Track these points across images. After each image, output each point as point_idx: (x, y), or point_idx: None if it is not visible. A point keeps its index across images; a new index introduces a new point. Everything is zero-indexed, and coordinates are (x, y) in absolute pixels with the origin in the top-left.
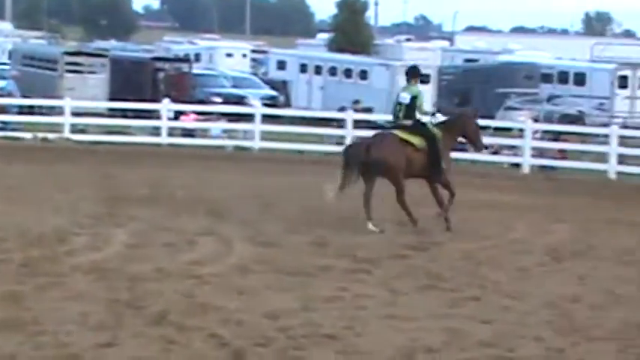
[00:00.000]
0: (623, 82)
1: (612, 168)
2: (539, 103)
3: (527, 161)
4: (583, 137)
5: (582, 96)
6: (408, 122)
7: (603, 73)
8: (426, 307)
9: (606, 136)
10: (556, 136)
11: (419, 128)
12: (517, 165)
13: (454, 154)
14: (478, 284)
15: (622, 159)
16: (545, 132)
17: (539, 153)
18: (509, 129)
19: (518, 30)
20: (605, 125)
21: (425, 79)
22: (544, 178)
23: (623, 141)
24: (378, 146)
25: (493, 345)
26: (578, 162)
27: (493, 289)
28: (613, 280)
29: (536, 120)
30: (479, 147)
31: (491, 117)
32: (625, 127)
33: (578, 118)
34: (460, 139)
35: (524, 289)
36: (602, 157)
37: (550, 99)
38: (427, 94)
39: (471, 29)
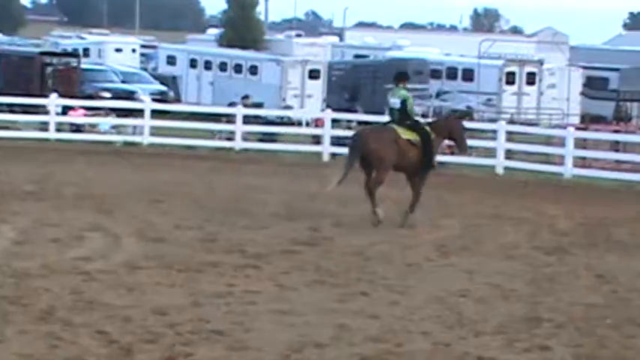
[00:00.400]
0: (510, 78)
1: (500, 163)
2: (429, 99)
3: None
4: (471, 133)
5: (471, 92)
6: (406, 121)
7: (491, 69)
8: (315, 302)
9: (494, 131)
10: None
11: (415, 126)
12: None
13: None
14: (367, 279)
15: (509, 154)
16: None
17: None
18: None
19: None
20: (493, 121)
21: (315, 75)
22: (434, 174)
23: (511, 136)
24: (374, 137)
25: (381, 340)
26: (467, 157)
27: (382, 284)
28: (499, 274)
29: (425, 115)
30: (463, 148)
31: (381, 112)
32: (512, 122)
33: (467, 114)
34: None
35: (412, 284)
36: (490, 153)
37: (439, 94)
38: (317, 90)
39: (361, 25)
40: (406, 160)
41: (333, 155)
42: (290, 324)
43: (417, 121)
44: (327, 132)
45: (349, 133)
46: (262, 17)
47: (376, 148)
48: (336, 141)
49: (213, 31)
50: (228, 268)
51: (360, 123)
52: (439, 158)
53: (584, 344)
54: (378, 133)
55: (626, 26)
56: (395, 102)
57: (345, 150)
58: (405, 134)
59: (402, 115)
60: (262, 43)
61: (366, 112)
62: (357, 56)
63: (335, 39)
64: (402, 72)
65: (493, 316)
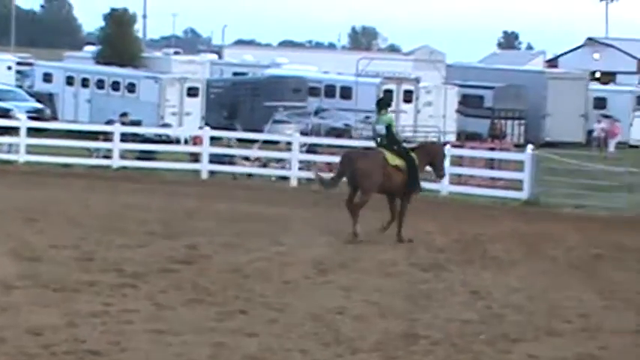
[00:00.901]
0: (388, 96)
1: None
2: (307, 117)
3: (295, 174)
4: None
5: (349, 109)
6: (394, 146)
7: (369, 87)
8: (193, 321)
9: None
10: (314, 149)
11: (401, 151)
12: (285, 178)
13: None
14: (245, 297)
15: None
16: (312, 145)
17: (306, 166)
18: (277, 142)
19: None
20: (371, 139)
21: (193, 92)
22: (312, 191)
23: None
24: (364, 158)
25: (259, 358)
26: None
27: (260, 302)
28: (377, 291)
29: (303, 133)
30: (441, 174)
31: (260, 130)
32: None
33: (345, 132)
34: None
35: (290, 302)
36: None
37: (317, 112)
38: (195, 107)
39: (239, 43)
40: (391, 183)
41: (212, 173)
42: (167, 343)
43: (403, 147)
44: (206, 150)
45: (227, 150)
46: (140, 34)
47: (364, 168)
48: (215, 159)
49: (90, 49)
50: (104, 288)
51: (239, 140)
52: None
53: None
54: (368, 155)
55: (500, 45)
56: (381, 128)
57: (222, 167)
58: (393, 160)
59: (389, 140)
60: (140, 60)
61: (245, 130)
62: (235, 74)
63: (214, 56)
64: (383, 98)
65: (370, 333)
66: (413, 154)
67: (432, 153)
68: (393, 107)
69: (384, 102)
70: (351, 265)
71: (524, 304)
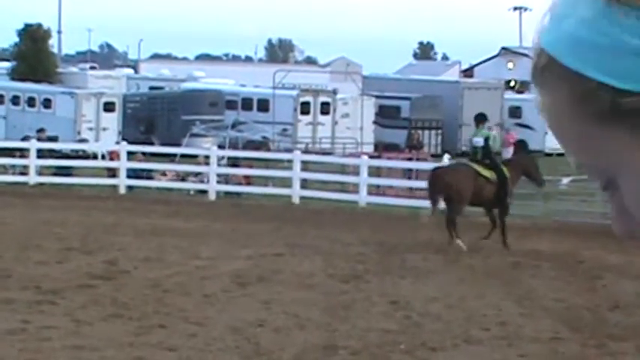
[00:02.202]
0: (305, 108)
1: (296, 193)
2: (225, 130)
3: (213, 187)
4: (267, 163)
5: (266, 122)
6: (486, 159)
7: (286, 99)
8: (112, 336)
9: (290, 161)
10: (236, 162)
11: (493, 164)
12: (204, 191)
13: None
14: (164, 312)
15: (305, 183)
16: (230, 158)
17: (224, 179)
18: (195, 156)
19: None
20: (289, 151)
21: (110, 107)
22: (230, 204)
23: (306, 166)
24: (452, 173)
25: None
26: (264, 187)
27: (179, 316)
28: (296, 303)
29: (221, 146)
30: (540, 182)
31: (177, 144)
32: (307, 152)
33: (262, 144)
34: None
35: (209, 315)
36: (286, 182)
37: (235, 125)
38: (112, 122)
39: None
40: (483, 196)
41: (130, 188)
42: (86, 359)
43: (494, 160)
44: (123, 165)
45: (145, 165)
46: (55, 50)
47: (453, 182)
48: (132, 173)
49: (4, 64)
50: (22, 305)
51: (155, 155)
52: (236, 189)
53: None
54: (457, 169)
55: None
56: (478, 141)
57: (140, 182)
58: (484, 172)
59: (485, 153)
60: (56, 76)
61: (163, 144)
62: (152, 88)
63: (130, 71)
64: (480, 113)
65: (290, 345)
66: (504, 168)
67: (523, 164)
68: (310, 119)
69: (482, 117)
70: (270, 278)
71: (442, 313)
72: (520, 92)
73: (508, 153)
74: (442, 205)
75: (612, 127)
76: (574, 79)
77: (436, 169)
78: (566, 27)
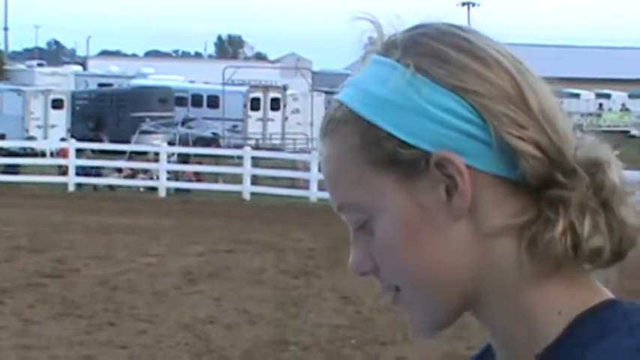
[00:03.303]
0: (255, 104)
1: (246, 189)
2: (174, 127)
3: (163, 184)
4: (218, 159)
5: (216, 118)
6: None
7: (236, 95)
8: (61, 334)
9: (240, 157)
10: (186, 159)
11: None
12: (153, 189)
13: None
14: (114, 310)
15: (255, 180)
16: (180, 155)
17: (174, 176)
18: (144, 153)
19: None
20: (239, 147)
21: (58, 104)
22: (181, 201)
23: (257, 162)
24: None
25: None
26: (214, 184)
27: (129, 313)
28: (247, 299)
29: (171, 143)
30: None
31: (127, 141)
32: (258, 148)
33: (213, 141)
34: None
35: (160, 313)
36: (236, 179)
37: (185, 122)
38: (60, 119)
39: (105, 53)
40: None
41: (79, 185)
42: (36, 358)
43: None
44: (72, 162)
45: (94, 162)
46: (2, 47)
47: None
48: (82, 171)
49: None
50: None
51: (104, 152)
52: (186, 186)
53: None
54: None
55: None
56: None
57: (90, 180)
58: None
59: None
60: (3, 73)
61: (112, 141)
62: (101, 85)
63: (78, 68)
64: None
65: (241, 341)
66: None
67: None
68: (260, 115)
69: None
70: (220, 275)
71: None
72: None
73: None
74: None
75: (386, 172)
76: (368, 129)
77: None
78: (367, 87)
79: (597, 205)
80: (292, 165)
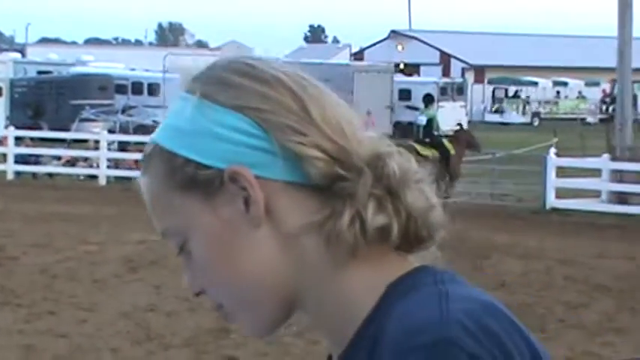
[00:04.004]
0: None
1: None
2: (114, 114)
3: (103, 172)
4: None
5: (157, 106)
6: (427, 138)
7: (176, 83)
8: (0, 324)
9: None
10: (126, 147)
11: (433, 142)
12: (94, 176)
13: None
14: (53, 298)
15: None
16: (121, 142)
17: (115, 164)
18: (84, 141)
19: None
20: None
21: None
22: (121, 189)
23: None
24: None
25: (69, 359)
26: None
27: (69, 302)
28: (187, 288)
29: (111, 131)
30: (480, 148)
31: (67, 129)
32: None
33: (153, 128)
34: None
35: (100, 301)
36: None
37: (125, 110)
38: None
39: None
40: None
41: (18, 173)
42: None
43: (436, 138)
44: (11, 150)
45: (33, 150)
46: None
47: None
48: (20, 159)
49: None
50: None
51: (44, 140)
52: (127, 174)
53: (269, 353)
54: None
55: (307, 39)
56: (421, 119)
57: (29, 168)
58: (423, 151)
59: (425, 132)
60: None
61: (52, 129)
62: (40, 72)
63: (17, 55)
64: (428, 94)
65: (182, 329)
66: (448, 145)
67: (465, 137)
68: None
69: (430, 97)
70: (161, 262)
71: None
72: (409, 75)
73: None
74: None
75: (191, 194)
76: (170, 158)
77: None
78: (169, 121)
79: (383, 192)
80: None
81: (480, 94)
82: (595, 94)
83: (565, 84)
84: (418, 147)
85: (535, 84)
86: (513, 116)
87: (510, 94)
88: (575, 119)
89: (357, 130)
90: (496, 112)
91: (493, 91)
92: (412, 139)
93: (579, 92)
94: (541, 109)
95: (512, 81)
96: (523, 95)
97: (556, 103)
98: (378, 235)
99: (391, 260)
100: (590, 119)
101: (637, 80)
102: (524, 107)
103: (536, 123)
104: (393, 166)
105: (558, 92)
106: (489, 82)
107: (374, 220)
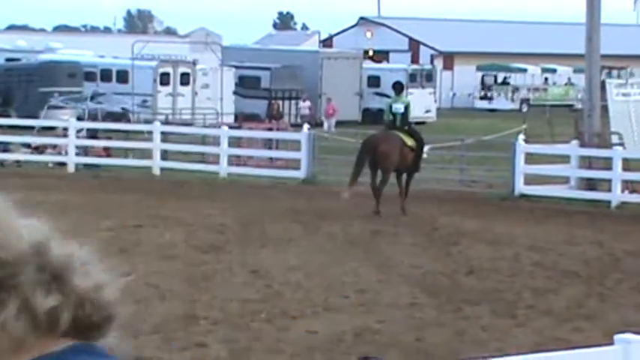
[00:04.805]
0: (165, 79)
1: (156, 164)
2: (83, 102)
3: (72, 160)
4: (127, 134)
5: (126, 93)
6: (405, 127)
7: (145, 70)
8: None
9: (150, 132)
10: (95, 134)
11: (412, 132)
12: (62, 164)
13: None
14: None
15: (165, 155)
16: (90, 130)
17: (84, 151)
18: (53, 128)
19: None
20: (149, 122)
21: None
22: (90, 176)
23: (166, 137)
24: (386, 142)
25: None
26: (124, 159)
27: None
28: (157, 274)
29: (80, 118)
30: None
31: (35, 116)
32: (168, 123)
33: (122, 116)
34: None
35: None
36: (146, 154)
37: (94, 97)
38: None
39: (12, 28)
40: (405, 162)
41: None
42: None
43: (413, 128)
44: None
45: (2, 138)
46: None
47: (388, 151)
48: None
49: None
50: None
51: (12, 127)
52: (96, 161)
53: (239, 339)
54: (388, 138)
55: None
56: (398, 107)
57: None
58: (407, 140)
59: (403, 121)
60: None
61: (20, 116)
62: (8, 59)
63: None
64: (399, 82)
65: (150, 316)
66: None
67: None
68: (170, 90)
69: (400, 85)
70: (130, 249)
71: (302, 281)
72: (378, 62)
73: (330, 124)
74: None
75: None
76: None
77: (369, 138)
78: None
79: (49, 277)
80: (202, 140)
81: (449, 81)
82: (583, 80)
83: (554, 71)
84: (403, 136)
85: (524, 71)
86: (502, 102)
87: (499, 80)
88: (563, 106)
89: (14, 223)
90: (484, 98)
91: (482, 78)
92: (387, 126)
93: (568, 79)
94: (530, 96)
95: (502, 67)
96: (512, 81)
97: (545, 89)
98: (48, 322)
99: (50, 345)
100: (579, 106)
101: (606, 66)
102: (512, 94)
103: (524, 109)
104: (55, 252)
105: (547, 79)
106: (478, 69)
107: (43, 304)
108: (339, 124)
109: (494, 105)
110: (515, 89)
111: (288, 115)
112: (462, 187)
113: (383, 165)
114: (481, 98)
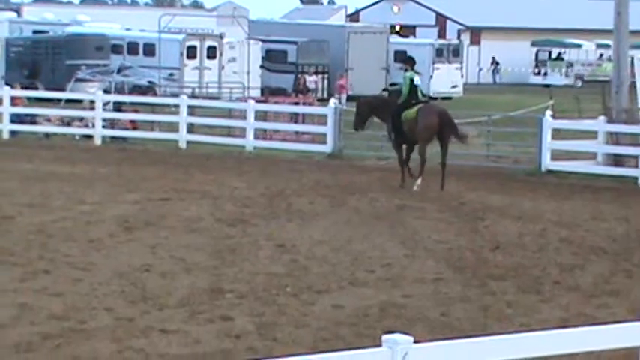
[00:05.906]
0: (191, 52)
1: (182, 137)
2: (110, 75)
3: (98, 132)
4: (153, 108)
5: (152, 67)
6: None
7: (172, 43)
8: None
9: (176, 106)
10: (119, 107)
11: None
12: (89, 137)
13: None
14: (49, 257)
15: (191, 128)
16: (116, 103)
17: (110, 124)
18: (80, 100)
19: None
20: (175, 95)
21: None
22: (116, 149)
23: (193, 110)
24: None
25: (64, 317)
26: (150, 132)
27: (65, 261)
28: (183, 248)
29: (107, 91)
30: None
31: (62, 89)
32: (194, 96)
33: (149, 89)
34: None
35: (95, 261)
36: (172, 127)
37: (120, 70)
38: None
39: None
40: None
41: (14, 133)
42: None
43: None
44: (6, 110)
45: (29, 110)
46: None
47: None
48: (16, 118)
49: None
50: None
51: (40, 100)
52: (122, 134)
53: (265, 312)
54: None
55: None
56: (418, 81)
57: (24, 127)
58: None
59: (423, 92)
60: None
61: (47, 89)
62: (36, 32)
63: (13, 15)
64: (410, 57)
65: (176, 289)
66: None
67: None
68: (197, 63)
69: (411, 59)
70: (156, 223)
71: (328, 256)
72: (405, 37)
73: (342, 98)
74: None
75: None
76: None
77: (439, 110)
78: None
79: None
80: (228, 114)
81: (475, 56)
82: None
83: (608, 46)
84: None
85: (579, 46)
86: (556, 78)
87: (554, 56)
88: None
89: None
90: (538, 74)
91: (536, 53)
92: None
93: None
94: (584, 72)
95: (556, 43)
96: (566, 57)
97: (599, 65)
98: None
99: None
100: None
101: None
102: (567, 69)
103: (579, 85)
104: None
105: (601, 55)
106: (533, 45)
107: None
108: None
109: (548, 80)
110: (570, 65)
111: (314, 90)
112: (489, 162)
113: (455, 136)
114: (535, 74)
